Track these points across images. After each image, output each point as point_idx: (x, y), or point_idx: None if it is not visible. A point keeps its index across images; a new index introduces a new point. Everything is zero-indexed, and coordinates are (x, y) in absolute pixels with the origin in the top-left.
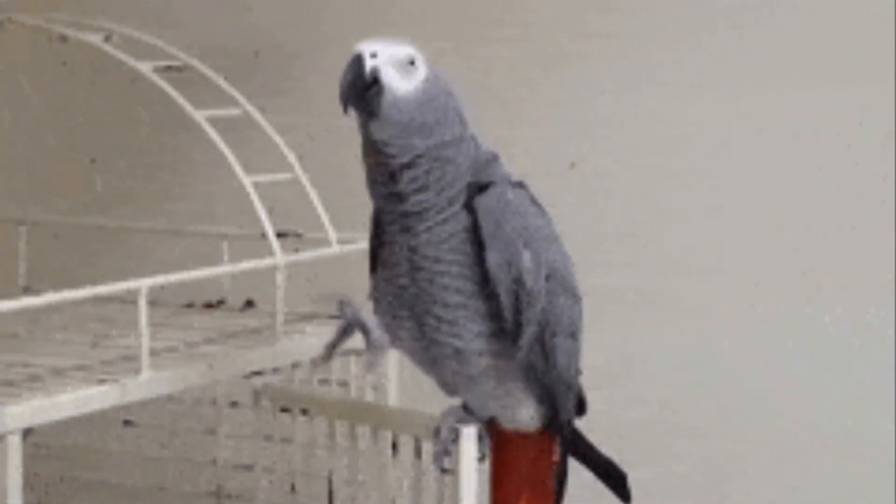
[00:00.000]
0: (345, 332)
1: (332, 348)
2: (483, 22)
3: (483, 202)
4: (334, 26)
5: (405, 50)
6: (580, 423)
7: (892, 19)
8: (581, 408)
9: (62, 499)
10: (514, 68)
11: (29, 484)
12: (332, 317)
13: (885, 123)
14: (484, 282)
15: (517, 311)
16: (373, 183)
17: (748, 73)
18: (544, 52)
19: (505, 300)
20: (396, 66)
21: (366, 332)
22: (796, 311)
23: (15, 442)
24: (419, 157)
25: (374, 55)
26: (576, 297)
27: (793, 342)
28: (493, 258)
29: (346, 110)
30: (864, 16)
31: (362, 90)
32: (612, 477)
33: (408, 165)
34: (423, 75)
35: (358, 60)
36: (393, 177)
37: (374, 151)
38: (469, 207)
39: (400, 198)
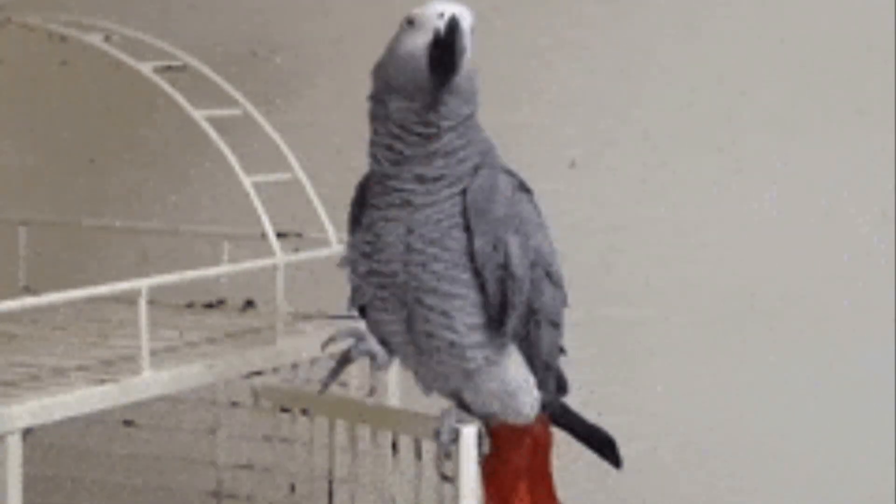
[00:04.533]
0: (346, 361)
1: (333, 377)
2: (480, 21)
3: (471, 184)
4: (334, 26)
5: (472, 18)
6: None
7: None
8: (563, 388)
9: (62, 499)
10: (513, 68)
11: (29, 484)
12: (331, 317)
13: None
14: (476, 271)
15: (503, 297)
16: (394, 140)
17: (751, 72)
18: (544, 50)
19: (490, 285)
20: (470, 33)
21: (373, 358)
22: (797, 314)
23: (15, 442)
24: (464, 121)
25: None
26: (559, 285)
27: (793, 342)
28: (479, 241)
29: (434, 70)
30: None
31: (461, 53)
32: (601, 444)
33: (452, 128)
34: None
35: (457, 22)
36: (430, 137)
37: (421, 109)
38: (464, 192)
39: (427, 159)
